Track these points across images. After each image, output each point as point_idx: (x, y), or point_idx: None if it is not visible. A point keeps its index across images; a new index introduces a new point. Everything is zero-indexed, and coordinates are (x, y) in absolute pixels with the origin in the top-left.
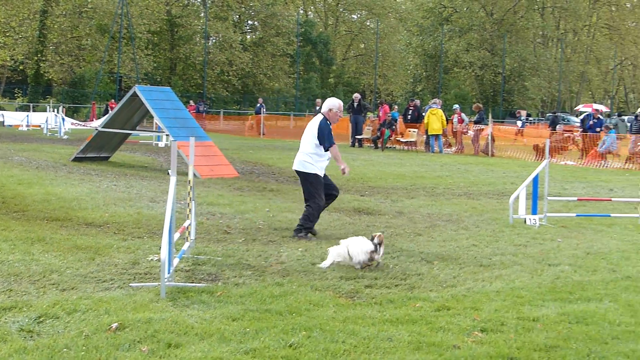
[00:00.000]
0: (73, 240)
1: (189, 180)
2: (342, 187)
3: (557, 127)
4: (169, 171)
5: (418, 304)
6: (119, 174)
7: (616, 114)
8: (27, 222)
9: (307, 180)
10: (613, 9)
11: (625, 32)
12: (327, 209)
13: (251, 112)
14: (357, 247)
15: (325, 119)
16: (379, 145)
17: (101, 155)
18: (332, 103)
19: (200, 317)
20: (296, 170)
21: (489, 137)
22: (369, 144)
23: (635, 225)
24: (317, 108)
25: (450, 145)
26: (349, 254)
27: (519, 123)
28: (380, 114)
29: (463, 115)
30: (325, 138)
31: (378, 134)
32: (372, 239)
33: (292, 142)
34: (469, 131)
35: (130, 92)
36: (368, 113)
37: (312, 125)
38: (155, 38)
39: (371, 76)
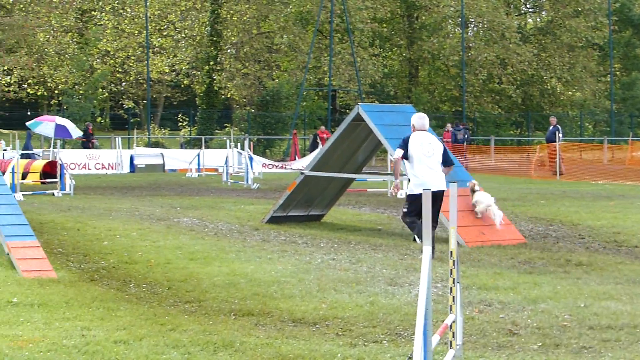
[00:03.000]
0: (275, 347)
1: (451, 252)
2: None
3: None
4: (416, 237)
5: None
6: (338, 242)
7: None
8: (205, 318)
9: (442, 199)
10: None
11: None
12: None
13: (540, 140)
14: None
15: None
16: None
17: (310, 214)
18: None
19: None
20: (442, 191)
21: None
22: None
23: None
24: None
25: None
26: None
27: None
28: None
29: None
30: (452, 157)
31: None
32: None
33: (609, 186)
34: None
35: (352, 115)
36: None
37: (437, 143)
38: (385, 29)
39: None
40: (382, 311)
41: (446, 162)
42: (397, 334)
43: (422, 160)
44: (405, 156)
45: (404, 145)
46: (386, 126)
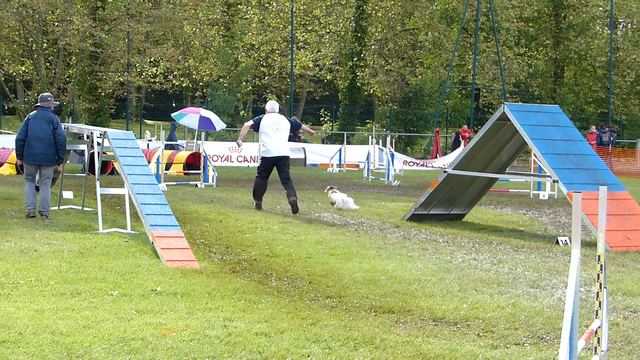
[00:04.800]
0: (415, 345)
1: (599, 256)
2: None
3: None
4: (560, 239)
5: None
6: (480, 242)
7: None
8: (345, 314)
9: (288, 163)
10: None
11: None
12: None
13: None
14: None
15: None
16: None
17: (452, 213)
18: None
19: None
20: (286, 156)
21: None
22: None
23: None
24: None
25: None
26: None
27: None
28: None
29: None
30: (295, 127)
31: None
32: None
33: None
34: None
35: (497, 114)
36: None
37: (284, 122)
38: (531, 29)
39: None
40: (524, 313)
41: (295, 127)
42: (540, 337)
43: (270, 133)
44: (256, 129)
45: (257, 121)
46: (532, 126)
